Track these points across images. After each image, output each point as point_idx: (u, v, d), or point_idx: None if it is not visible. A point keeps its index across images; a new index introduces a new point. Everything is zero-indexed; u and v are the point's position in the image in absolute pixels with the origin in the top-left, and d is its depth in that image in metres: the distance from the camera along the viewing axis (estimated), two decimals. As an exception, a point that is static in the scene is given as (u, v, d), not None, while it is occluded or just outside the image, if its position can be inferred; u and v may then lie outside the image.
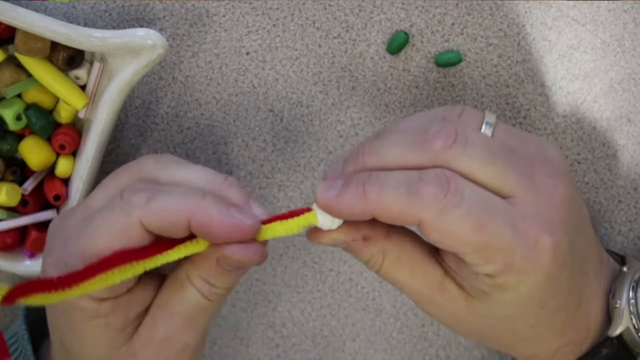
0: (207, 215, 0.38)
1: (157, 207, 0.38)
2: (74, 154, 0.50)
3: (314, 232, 0.42)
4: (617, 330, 0.43)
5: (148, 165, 0.41)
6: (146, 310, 0.42)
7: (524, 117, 0.53)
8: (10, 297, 0.37)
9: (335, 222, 0.41)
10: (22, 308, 0.48)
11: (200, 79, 0.52)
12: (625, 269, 0.45)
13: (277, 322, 0.55)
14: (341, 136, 0.53)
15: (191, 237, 0.40)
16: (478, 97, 0.53)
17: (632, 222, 0.54)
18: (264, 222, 0.41)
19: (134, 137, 0.53)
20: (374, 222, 0.40)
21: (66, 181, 0.50)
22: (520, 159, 0.40)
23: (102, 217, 0.39)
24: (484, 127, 0.41)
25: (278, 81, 0.53)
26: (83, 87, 0.49)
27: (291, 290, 0.55)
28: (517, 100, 0.53)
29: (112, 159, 0.53)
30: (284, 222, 0.41)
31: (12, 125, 0.48)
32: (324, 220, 0.40)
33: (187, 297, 0.41)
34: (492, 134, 0.41)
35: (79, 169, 0.49)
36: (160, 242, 0.39)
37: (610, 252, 0.48)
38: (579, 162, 0.54)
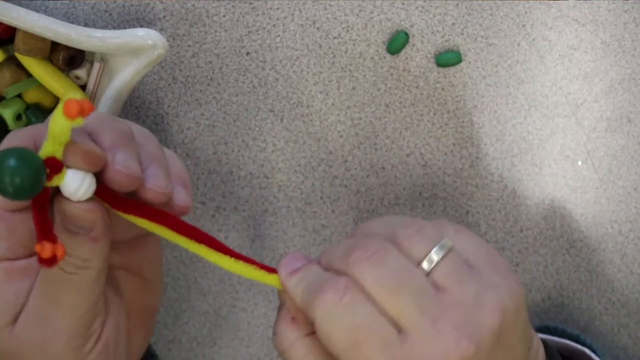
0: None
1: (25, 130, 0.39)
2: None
3: None
4: None
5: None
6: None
7: (524, 117, 0.53)
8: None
9: (83, 190, 0.37)
10: None
11: (200, 79, 0.52)
12: None
13: (277, 322, 0.55)
14: (341, 136, 0.53)
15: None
16: (478, 97, 0.53)
17: (632, 222, 0.54)
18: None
19: (134, 137, 0.53)
20: None
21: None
22: (435, 302, 0.40)
23: None
24: (435, 248, 0.41)
25: (278, 81, 0.53)
26: (83, 87, 0.49)
27: (291, 290, 0.55)
28: (517, 100, 0.53)
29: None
30: None
31: (13, 125, 0.48)
32: (73, 182, 0.37)
33: (45, 271, 0.39)
34: (438, 262, 0.40)
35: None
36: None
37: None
38: (579, 162, 0.54)
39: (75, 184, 0.36)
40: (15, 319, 0.40)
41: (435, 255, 0.40)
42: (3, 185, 0.34)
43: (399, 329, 0.39)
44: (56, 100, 0.49)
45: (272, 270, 0.43)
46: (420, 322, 0.39)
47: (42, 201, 0.36)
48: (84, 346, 0.41)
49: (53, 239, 0.35)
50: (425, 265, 0.40)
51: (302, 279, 0.41)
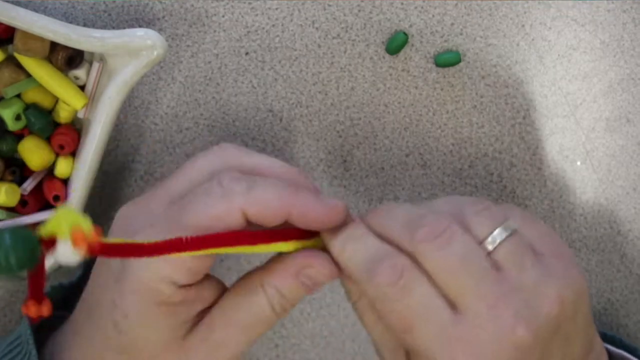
0: (306, 206, 0.40)
1: (259, 197, 0.40)
2: (73, 154, 0.50)
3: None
4: None
5: (230, 151, 0.43)
6: (205, 312, 0.43)
7: (524, 118, 0.53)
8: (101, 249, 0.36)
9: (73, 259, 0.38)
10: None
11: (199, 79, 0.52)
12: None
13: (276, 323, 0.55)
14: (340, 136, 0.53)
15: (291, 233, 0.42)
16: (477, 97, 0.53)
17: (632, 222, 0.54)
18: None
19: (133, 137, 0.53)
20: None
21: (65, 181, 0.50)
22: (495, 285, 0.39)
23: (201, 202, 0.40)
24: (499, 229, 0.40)
25: (277, 81, 0.53)
26: (82, 87, 0.49)
27: (290, 291, 0.55)
28: (516, 100, 0.53)
29: (111, 159, 0.53)
30: None
31: (12, 125, 0.48)
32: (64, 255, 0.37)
33: (255, 304, 0.42)
34: (501, 242, 0.40)
35: (79, 169, 0.49)
36: (263, 232, 0.41)
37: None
38: (578, 163, 0.54)
39: (68, 254, 0.36)
40: (183, 335, 0.42)
41: (498, 236, 0.40)
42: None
43: (455, 309, 0.39)
44: (55, 100, 0.49)
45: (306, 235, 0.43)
46: (478, 306, 0.39)
47: (38, 270, 0.37)
48: None
49: (40, 299, 0.37)
50: (488, 244, 0.40)
51: (356, 251, 0.41)
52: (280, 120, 0.53)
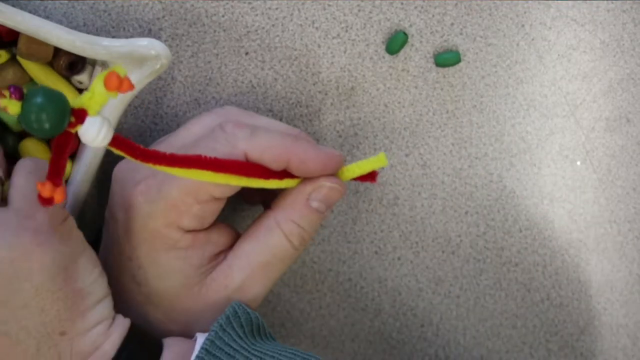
0: (305, 152, 0.42)
1: (261, 142, 0.42)
2: (73, 155, 0.50)
3: None
4: None
5: (233, 111, 0.46)
6: (218, 254, 0.44)
7: (523, 118, 0.53)
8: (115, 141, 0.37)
9: (100, 138, 0.38)
10: None
11: (199, 79, 0.52)
12: None
13: (276, 322, 0.55)
14: (340, 136, 0.53)
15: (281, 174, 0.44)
16: (477, 97, 0.53)
17: (631, 222, 0.55)
18: None
19: (133, 137, 0.53)
20: None
21: (65, 181, 0.50)
22: None
23: (205, 146, 0.42)
24: None
25: (277, 81, 0.53)
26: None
27: (290, 291, 0.55)
28: (515, 100, 0.53)
29: (110, 159, 0.53)
30: (357, 163, 0.45)
31: (15, 126, 0.48)
32: (92, 129, 0.38)
33: (272, 243, 0.43)
34: None
35: (78, 170, 0.49)
36: (256, 168, 0.42)
37: None
38: (578, 162, 0.54)
39: (93, 131, 0.37)
40: (199, 282, 0.43)
41: None
42: (29, 121, 0.35)
43: None
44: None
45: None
46: None
47: (62, 144, 0.37)
48: None
49: (57, 183, 0.37)
50: None
51: None
52: (280, 120, 0.53)
